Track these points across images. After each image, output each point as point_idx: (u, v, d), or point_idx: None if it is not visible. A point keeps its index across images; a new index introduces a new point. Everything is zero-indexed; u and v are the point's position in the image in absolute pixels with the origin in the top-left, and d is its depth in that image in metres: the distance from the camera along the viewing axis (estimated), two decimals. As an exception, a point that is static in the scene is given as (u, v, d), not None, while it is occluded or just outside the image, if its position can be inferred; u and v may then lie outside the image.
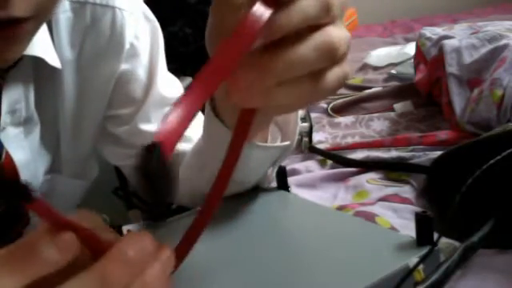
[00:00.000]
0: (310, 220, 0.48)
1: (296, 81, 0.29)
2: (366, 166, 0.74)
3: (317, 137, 0.90)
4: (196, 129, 0.51)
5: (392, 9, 2.56)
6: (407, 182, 0.67)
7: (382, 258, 0.38)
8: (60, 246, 0.24)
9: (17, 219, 0.57)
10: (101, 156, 0.70)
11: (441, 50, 0.88)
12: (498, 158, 0.43)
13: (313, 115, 0.96)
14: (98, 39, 0.58)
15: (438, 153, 0.66)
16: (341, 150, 0.82)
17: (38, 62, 0.54)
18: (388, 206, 0.61)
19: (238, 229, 0.47)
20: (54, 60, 0.55)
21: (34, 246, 0.24)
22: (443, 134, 0.78)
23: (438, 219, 0.40)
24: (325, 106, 1.07)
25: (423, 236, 0.38)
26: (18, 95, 0.54)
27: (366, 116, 0.97)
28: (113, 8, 0.58)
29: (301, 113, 0.87)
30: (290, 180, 0.64)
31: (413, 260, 0.36)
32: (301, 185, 0.72)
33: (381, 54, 1.36)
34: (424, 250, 0.37)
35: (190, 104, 0.25)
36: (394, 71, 1.20)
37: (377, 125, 0.93)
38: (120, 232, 0.49)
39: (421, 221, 0.38)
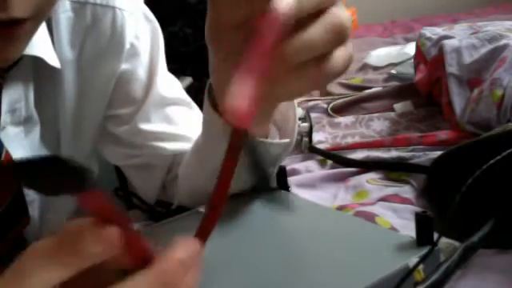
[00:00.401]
0: (310, 220, 0.48)
1: (304, 65, 0.29)
2: (365, 166, 0.74)
3: (317, 137, 0.90)
4: (195, 128, 0.51)
5: (392, 9, 2.56)
6: (407, 182, 0.67)
7: (382, 258, 0.38)
8: (105, 241, 0.24)
9: (17, 219, 0.57)
10: (101, 156, 0.70)
11: (441, 50, 0.87)
12: (498, 158, 0.43)
13: (313, 115, 0.96)
14: (98, 39, 0.58)
15: (438, 153, 0.66)
16: (341, 150, 0.82)
17: (38, 62, 0.54)
18: (388, 206, 0.61)
19: (238, 229, 0.47)
20: (53, 60, 0.55)
21: (79, 237, 0.24)
22: (443, 134, 0.77)
23: (438, 219, 0.40)
24: (325, 106, 1.06)
25: (423, 236, 0.38)
26: (17, 95, 0.54)
27: (366, 116, 0.96)
28: (113, 8, 0.58)
29: (301, 113, 0.87)
30: (290, 180, 0.64)
31: (413, 260, 0.36)
32: (301, 185, 0.72)
33: (381, 54, 1.36)
34: (424, 250, 0.37)
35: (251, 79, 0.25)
36: (394, 71, 1.20)
37: (377, 125, 0.93)
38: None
39: (421, 221, 0.38)
